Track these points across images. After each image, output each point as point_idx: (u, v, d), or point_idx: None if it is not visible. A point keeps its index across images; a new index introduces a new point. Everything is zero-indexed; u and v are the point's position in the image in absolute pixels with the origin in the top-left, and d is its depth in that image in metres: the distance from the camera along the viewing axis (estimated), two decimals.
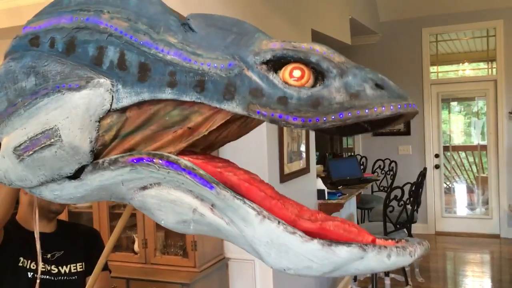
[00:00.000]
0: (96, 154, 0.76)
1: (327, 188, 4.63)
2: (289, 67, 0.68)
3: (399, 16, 6.93)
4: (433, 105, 6.94)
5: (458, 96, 7.36)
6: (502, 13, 6.44)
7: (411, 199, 4.50)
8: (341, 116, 0.65)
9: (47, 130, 0.74)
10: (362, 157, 6.89)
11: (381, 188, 6.34)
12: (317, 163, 5.29)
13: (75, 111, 0.73)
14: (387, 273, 4.33)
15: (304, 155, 4.36)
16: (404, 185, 4.33)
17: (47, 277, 1.82)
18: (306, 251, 0.66)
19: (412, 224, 4.75)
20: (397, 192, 4.22)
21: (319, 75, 0.68)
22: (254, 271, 3.38)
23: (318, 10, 4.86)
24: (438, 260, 5.92)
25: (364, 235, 0.68)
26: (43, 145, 0.75)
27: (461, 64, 7.29)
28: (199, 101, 0.70)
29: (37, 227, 1.62)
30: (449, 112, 7.37)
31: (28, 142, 0.75)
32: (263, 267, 3.21)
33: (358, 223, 5.70)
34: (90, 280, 1.48)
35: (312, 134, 4.58)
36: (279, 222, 0.67)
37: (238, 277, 3.48)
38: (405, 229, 4.47)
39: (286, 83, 0.68)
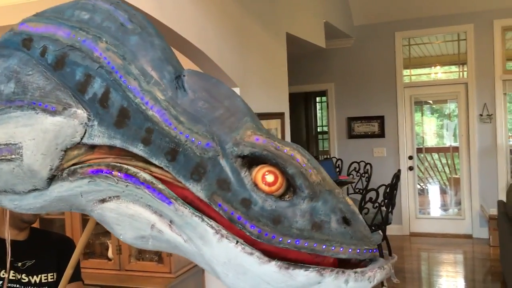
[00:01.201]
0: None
1: None
2: (264, 169, 0.66)
3: (372, 20, 7.01)
4: (406, 108, 7.04)
5: (431, 98, 7.49)
6: (473, 17, 6.59)
7: (386, 201, 4.55)
8: (297, 243, 0.64)
9: (11, 144, 0.71)
10: (337, 159, 6.94)
11: (357, 190, 6.40)
12: None
13: (43, 135, 0.70)
14: None
15: None
16: (379, 187, 4.38)
17: (17, 285, 1.78)
18: (263, 273, 0.64)
19: (387, 226, 4.80)
20: (372, 194, 4.26)
21: (291, 186, 0.66)
22: None
23: (293, 14, 4.88)
24: (412, 261, 5.99)
25: (325, 256, 0.66)
26: (2, 158, 0.72)
27: (433, 67, 7.42)
28: (167, 169, 0.68)
29: (8, 234, 1.57)
30: (422, 115, 7.49)
31: None
32: None
33: None
34: None
35: (288, 136, 4.59)
36: (237, 241, 0.65)
37: (214, 282, 3.45)
38: (380, 231, 4.52)
39: (256, 184, 0.66)
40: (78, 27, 0.74)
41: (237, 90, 3.53)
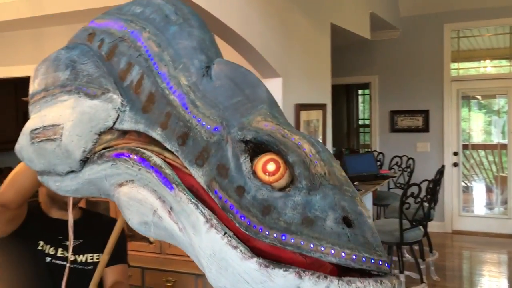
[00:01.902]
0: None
1: None
2: (266, 157, 0.61)
3: (420, 11, 6.83)
4: (453, 102, 6.85)
5: (479, 93, 7.25)
6: None
7: (428, 196, 4.45)
8: (283, 238, 0.58)
9: (56, 125, 0.76)
10: (379, 153, 6.83)
11: (398, 185, 6.29)
12: None
13: (80, 117, 0.74)
14: (401, 270, 4.30)
15: None
16: (421, 182, 4.28)
17: (64, 263, 1.84)
18: (243, 270, 0.59)
19: (429, 222, 4.70)
20: (414, 190, 4.18)
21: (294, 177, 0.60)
22: None
23: (339, 4, 4.82)
24: (454, 259, 5.85)
25: (324, 263, 0.58)
26: (48, 138, 0.76)
27: (482, 61, 7.17)
28: (176, 153, 0.68)
29: (71, 217, 1.60)
30: (469, 110, 7.27)
31: (41, 129, 0.77)
32: None
33: (373, 219, 5.67)
34: (96, 273, 1.48)
35: (329, 129, 4.55)
36: (225, 233, 0.61)
37: None
38: (421, 227, 4.43)
39: (254, 172, 0.61)
40: (130, 20, 0.79)
41: (279, 80, 3.52)
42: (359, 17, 5.48)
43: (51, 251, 1.84)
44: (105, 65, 0.77)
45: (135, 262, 3.12)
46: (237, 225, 0.61)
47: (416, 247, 4.78)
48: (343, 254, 0.56)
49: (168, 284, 3.14)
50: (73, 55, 0.79)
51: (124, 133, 0.73)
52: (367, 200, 5.35)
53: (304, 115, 3.93)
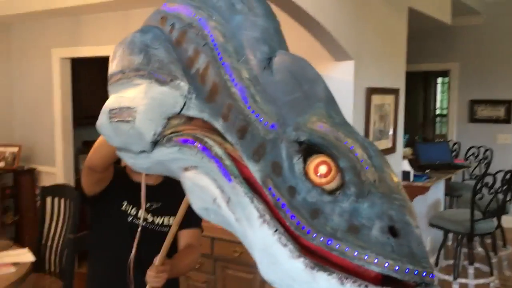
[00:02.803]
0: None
1: (414, 171, 4.55)
2: (318, 159, 0.63)
3: None
4: None
5: None
6: None
7: (504, 188, 4.28)
8: (329, 242, 0.60)
9: (130, 107, 0.80)
10: (455, 143, 6.61)
11: (473, 177, 6.07)
12: (406, 146, 5.19)
13: (151, 102, 0.77)
14: (471, 262, 4.20)
15: (391, 135, 4.31)
16: (497, 172, 4.13)
17: (143, 223, 2.03)
18: (290, 268, 0.62)
19: (505, 217, 4.52)
20: (490, 181, 4.04)
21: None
22: None
23: None
24: None
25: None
26: (123, 119, 0.81)
27: None
28: (236, 146, 0.70)
29: (144, 187, 1.80)
30: None
31: (118, 110, 0.83)
32: None
33: (445, 209, 5.54)
34: (165, 242, 1.62)
35: (401, 115, 4.50)
36: (276, 230, 0.64)
37: None
38: (494, 219, 4.28)
39: (306, 173, 0.63)
40: (198, 6, 0.80)
41: (351, 63, 3.54)
42: (439, 1, 5.30)
43: (133, 211, 2.03)
44: (175, 51, 0.79)
45: (206, 231, 3.30)
46: (288, 223, 0.63)
47: (488, 241, 4.63)
48: (386, 264, 0.57)
49: (236, 255, 3.30)
50: (146, 39, 0.81)
51: (190, 119, 0.76)
52: (439, 188, 5.24)
53: (375, 99, 3.92)
